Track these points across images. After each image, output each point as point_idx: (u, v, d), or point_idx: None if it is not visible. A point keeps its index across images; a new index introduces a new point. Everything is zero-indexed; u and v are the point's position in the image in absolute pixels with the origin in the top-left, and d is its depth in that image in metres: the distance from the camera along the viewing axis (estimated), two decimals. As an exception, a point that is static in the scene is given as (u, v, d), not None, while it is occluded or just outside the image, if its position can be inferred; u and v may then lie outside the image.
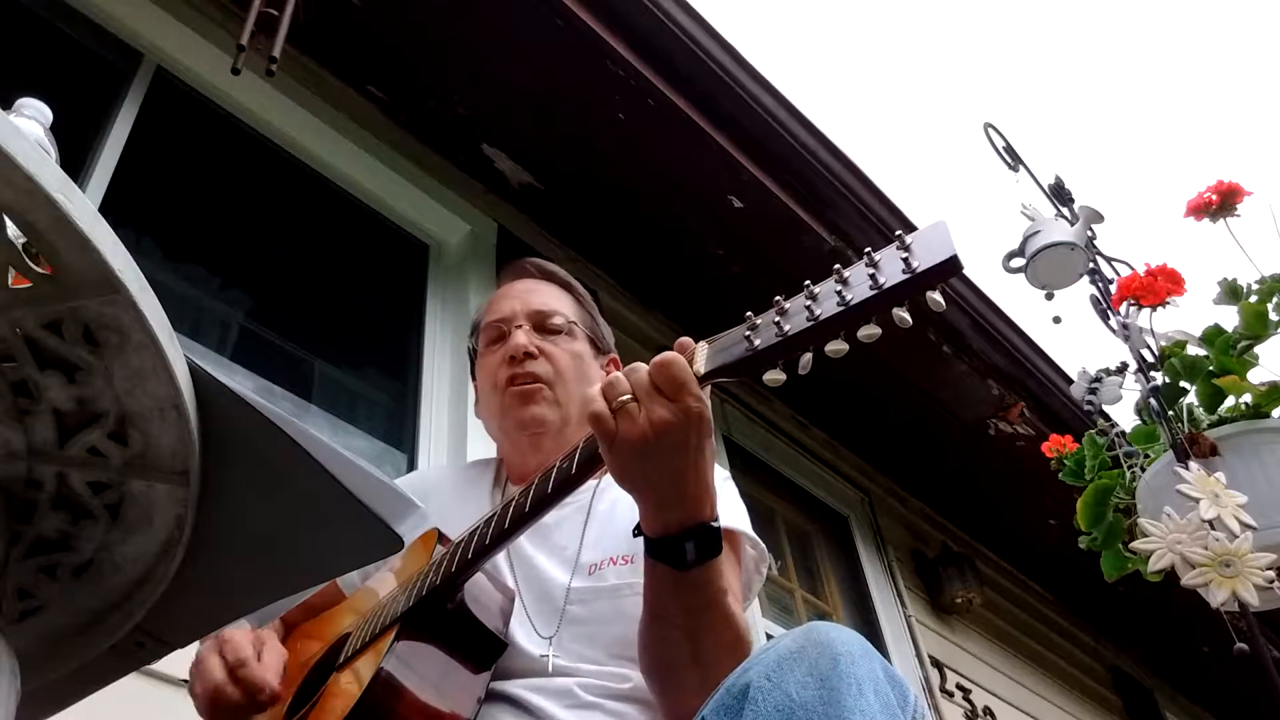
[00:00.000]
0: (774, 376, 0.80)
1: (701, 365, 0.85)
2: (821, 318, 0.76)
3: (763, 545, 1.15)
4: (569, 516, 1.19)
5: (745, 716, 0.74)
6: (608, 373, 1.32)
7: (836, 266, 0.78)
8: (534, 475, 1.00)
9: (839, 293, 0.76)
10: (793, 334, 0.78)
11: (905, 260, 0.74)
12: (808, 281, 0.79)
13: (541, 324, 1.29)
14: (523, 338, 1.26)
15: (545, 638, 1.06)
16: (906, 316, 0.74)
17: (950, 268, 0.73)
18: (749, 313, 0.82)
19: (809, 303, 0.78)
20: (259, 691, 1.02)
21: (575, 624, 1.07)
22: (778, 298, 0.81)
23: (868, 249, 0.77)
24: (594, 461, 0.91)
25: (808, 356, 0.78)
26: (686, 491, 0.87)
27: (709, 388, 0.86)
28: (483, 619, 1.02)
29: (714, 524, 0.89)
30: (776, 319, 0.79)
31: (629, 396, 0.84)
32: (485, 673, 1.01)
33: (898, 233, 0.77)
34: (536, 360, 1.25)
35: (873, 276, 0.75)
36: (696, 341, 0.89)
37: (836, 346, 0.77)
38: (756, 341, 0.80)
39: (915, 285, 0.73)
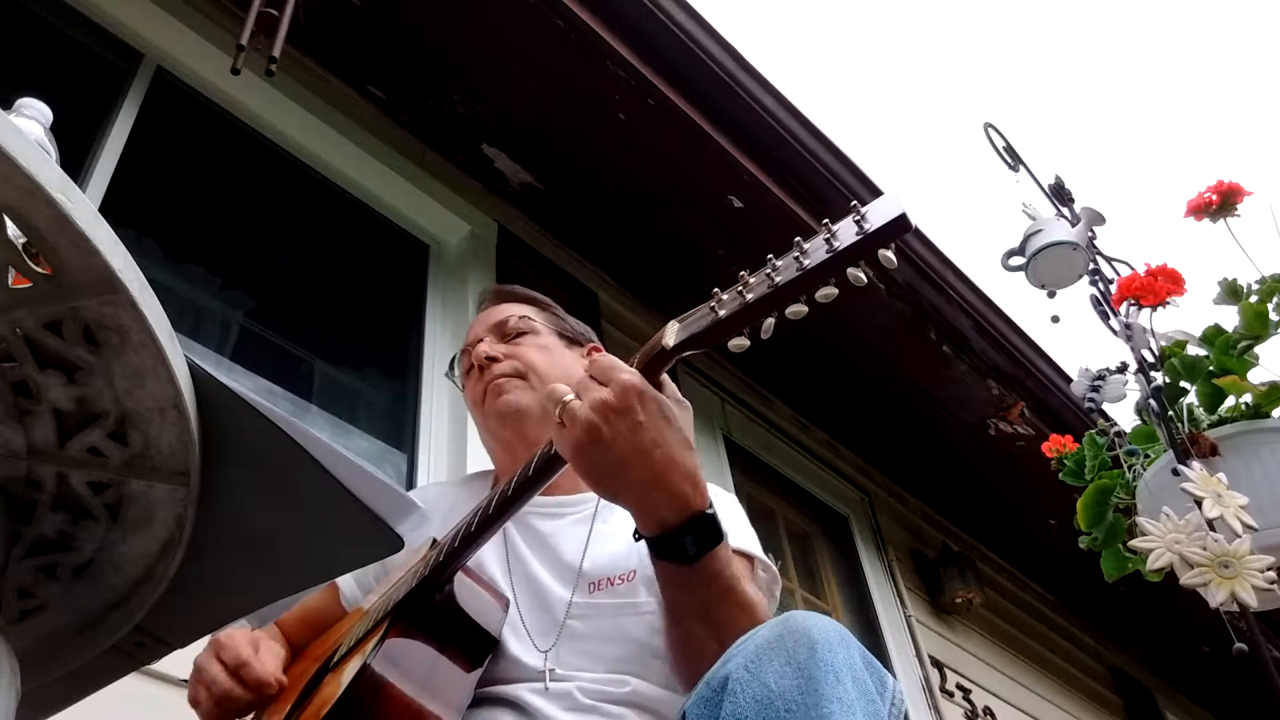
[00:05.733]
0: (738, 343, 0.84)
1: (671, 340, 0.88)
2: (780, 283, 0.81)
3: (775, 569, 1.15)
4: (571, 528, 1.18)
5: (724, 709, 0.74)
6: (591, 360, 1.35)
7: (797, 239, 0.83)
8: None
9: (797, 259, 0.82)
10: (754, 300, 0.82)
11: (858, 223, 0.79)
12: (770, 255, 0.84)
13: (502, 332, 1.34)
14: (484, 347, 1.30)
15: (543, 651, 1.05)
16: (861, 275, 0.79)
17: (900, 225, 0.78)
18: (715, 289, 0.87)
19: (769, 272, 0.83)
20: (266, 687, 1.04)
21: (574, 639, 1.07)
22: (742, 273, 0.86)
23: (825, 220, 0.82)
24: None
25: (770, 321, 0.83)
26: (665, 480, 0.87)
27: (664, 371, 0.90)
28: (473, 615, 1.01)
29: (709, 511, 0.89)
30: (740, 289, 0.84)
31: (571, 395, 0.88)
32: (476, 670, 1.00)
33: (853, 203, 0.82)
34: (501, 362, 1.28)
35: (828, 242, 0.80)
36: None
37: (797, 309, 0.81)
38: (721, 312, 0.85)
39: (867, 244, 0.78)
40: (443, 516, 1.22)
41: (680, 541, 0.88)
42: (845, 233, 0.80)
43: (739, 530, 1.15)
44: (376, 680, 0.92)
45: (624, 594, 1.09)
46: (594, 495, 1.20)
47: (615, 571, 1.11)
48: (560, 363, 1.31)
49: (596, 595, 1.10)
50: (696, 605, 0.91)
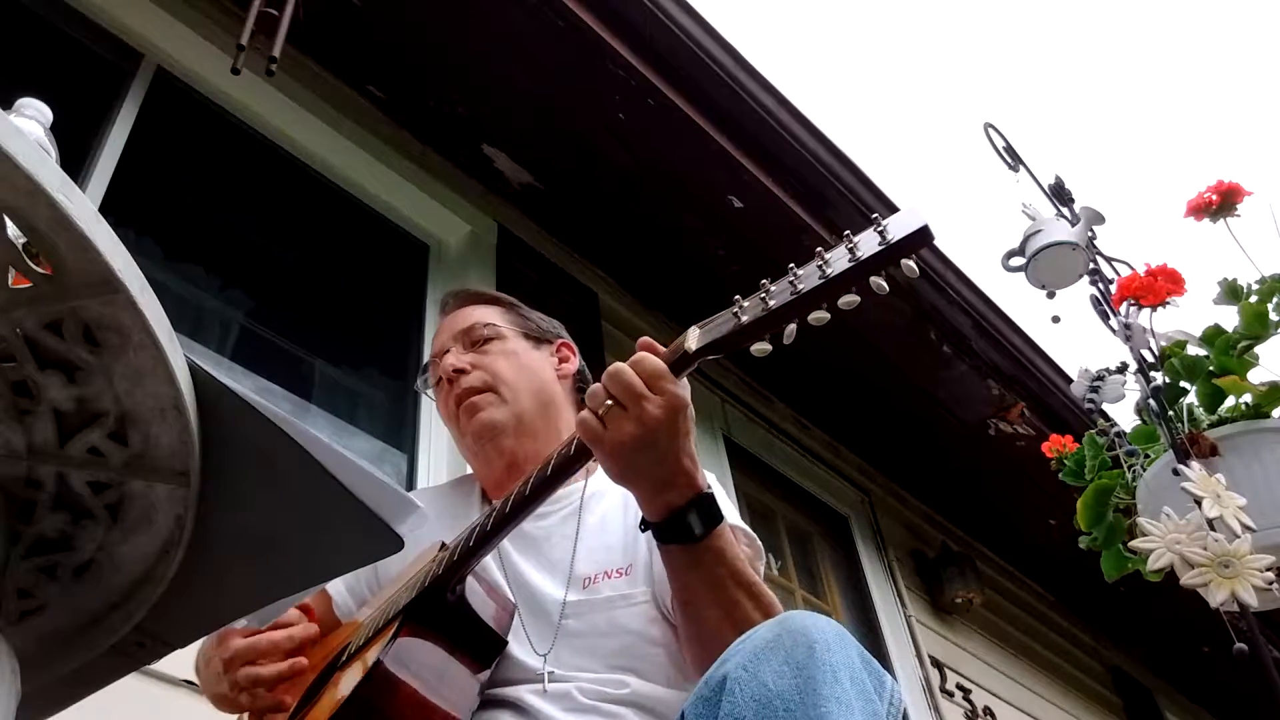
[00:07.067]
0: (761, 347, 0.87)
1: (693, 344, 0.90)
2: (804, 291, 0.84)
3: (758, 541, 1.16)
4: (559, 528, 1.19)
5: (722, 708, 0.75)
6: (561, 357, 1.37)
7: (819, 249, 0.85)
8: (514, 477, 1.03)
9: (820, 268, 0.84)
10: (776, 307, 0.85)
11: (880, 234, 0.82)
12: (792, 264, 0.86)
13: (467, 340, 1.33)
14: (451, 359, 1.30)
15: (542, 654, 1.06)
16: (884, 284, 0.81)
17: (922, 237, 0.81)
18: (737, 296, 0.89)
19: (792, 280, 0.85)
20: (294, 641, 1.07)
21: (571, 637, 1.07)
22: (764, 281, 0.87)
23: (846, 231, 0.85)
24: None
25: (792, 327, 0.85)
26: (681, 469, 0.93)
27: (685, 376, 0.93)
28: (484, 617, 1.02)
29: (707, 490, 0.95)
30: (763, 297, 0.87)
31: (611, 402, 0.90)
32: (484, 672, 1.01)
33: (874, 215, 0.84)
34: (469, 374, 1.28)
35: (851, 251, 0.83)
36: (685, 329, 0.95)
37: (819, 315, 0.84)
38: (744, 318, 0.87)
39: (889, 255, 0.81)
40: (431, 523, 1.23)
41: (685, 521, 0.93)
42: (867, 243, 0.82)
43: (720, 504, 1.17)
44: (388, 677, 0.93)
45: (620, 586, 1.10)
46: (577, 487, 1.20)
47: (612, 565, 1.12)
48: (529, 366, 1.31)
49: (589, 590, 1.11)
50: (705, 587, 0.95)
